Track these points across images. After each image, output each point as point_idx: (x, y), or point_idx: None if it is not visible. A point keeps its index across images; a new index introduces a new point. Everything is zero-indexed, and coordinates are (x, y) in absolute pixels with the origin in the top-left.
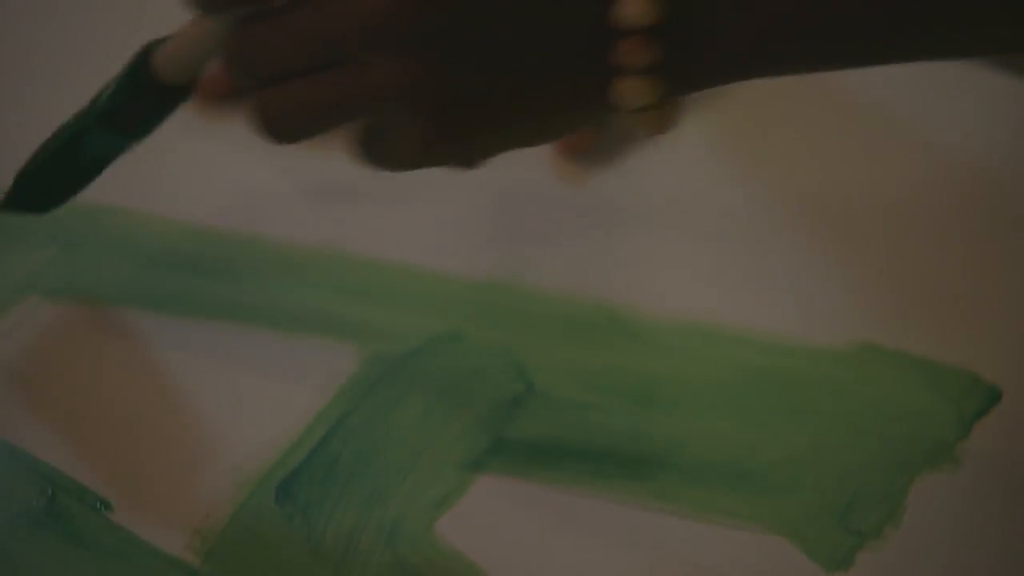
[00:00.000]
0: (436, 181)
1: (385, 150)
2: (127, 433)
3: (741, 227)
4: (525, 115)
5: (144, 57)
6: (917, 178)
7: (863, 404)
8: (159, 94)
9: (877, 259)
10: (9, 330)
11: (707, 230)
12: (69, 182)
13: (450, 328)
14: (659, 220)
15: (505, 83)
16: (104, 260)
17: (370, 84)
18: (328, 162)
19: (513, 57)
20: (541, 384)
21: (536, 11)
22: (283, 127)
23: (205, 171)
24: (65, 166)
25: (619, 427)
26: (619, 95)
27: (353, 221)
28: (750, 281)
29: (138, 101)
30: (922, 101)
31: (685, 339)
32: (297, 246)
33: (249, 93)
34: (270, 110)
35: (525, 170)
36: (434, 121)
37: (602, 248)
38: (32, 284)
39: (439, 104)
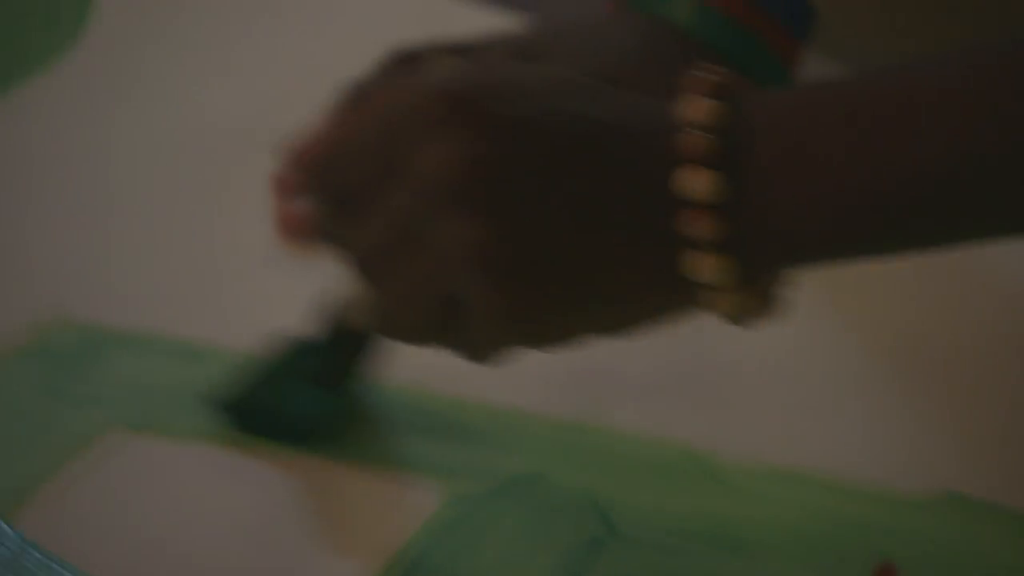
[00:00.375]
0: None
1: (469, 333)
2: (207, 568)
3: (826, 372)
4: (597, 284)
5: (338, 319)
6: (1007, 328)
7: (948, 554)
8: (356, 342)
9: (965, 407)
10: (92, 463)
11: (792, 374)
12: (275, 429)
13: (532, 468)
14: (743, 364)
15: (572, 250)
16: (185, 394)
17: (445, 247)
18: None
19: (579, 221)
20: (622, 527)
21: (595, 174)
22: (398, 330)
23: (289, 307)
24: (274, 419)
25: (700, 571)
26: (688, 269)
27: (436, 359)
28: (834, 426)
29: (343, 356)
30: (1016, 251)
31: (769, 484)
32: (381, 383)
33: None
34: (385, 311)
35: None
36: (506, 282)
37: (686, 391)
38: (116, 417)
39: (508, 265)
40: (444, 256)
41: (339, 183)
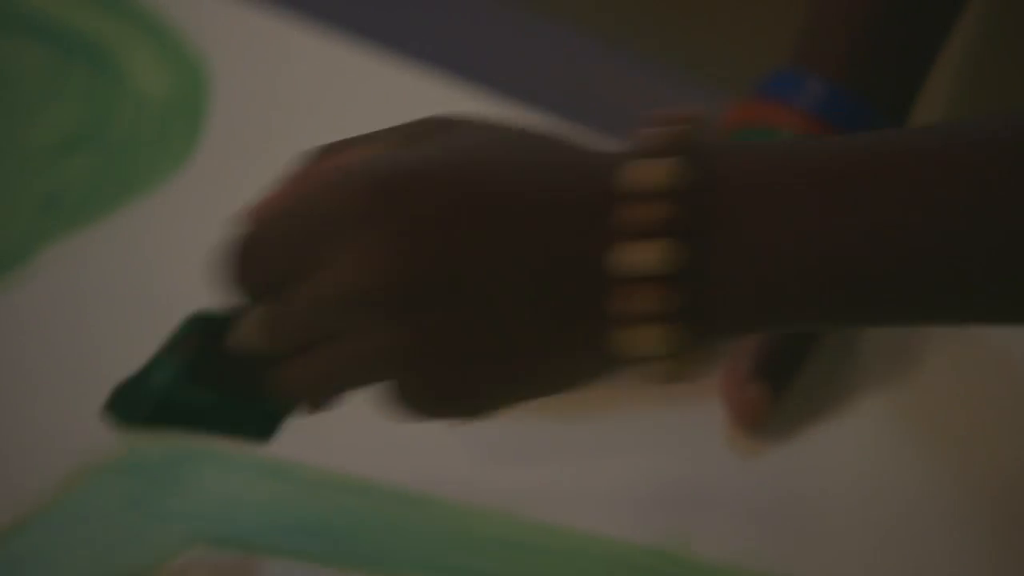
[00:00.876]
0: (608, 445)
1: (401, 403)
2: None
3: (916, 509)
4: (521, 368)
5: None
6: None
7: None
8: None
9: None
10: None
11: (881, 510)
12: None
13: None
14: (832, 497)
15: (495, 338)
16: (271, 512)
17: (366, 351)
18: (499, 423)
19: (501, 312)
20: None
21: (521, 263)
22: (307, 395)
23: (377, 428)
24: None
25: None
26: (625, 344)
27: (520, 483)
28: (920, 562)
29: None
30: None
31: None
32: (465, 506)
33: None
34: (291, 381)
35: (700, 440)
36: (429, 378)
37: (772, 521)
38: (201, 532)
39: (430, 364)
40: (364, 354)
41: (260, 272)
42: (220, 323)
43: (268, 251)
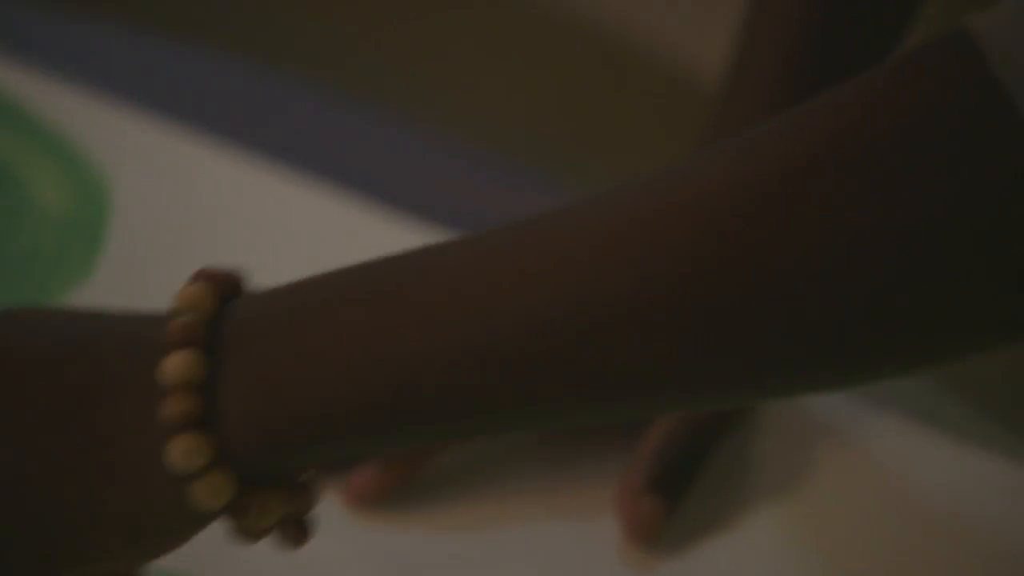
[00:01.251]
0: (501, 559)
1: None
2: None
3: None
4: (87, 506)
5: None
6: None
7: None
8: None
9: None
10: None
11: None
12: None
13: None
14: None
15: (39, 478)
16: None
17: None
18: (396, 537)
19: (39, 449)
20: None
21: (58, 390)
22: None
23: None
24: None
25: None
26: (169, 457)
27: None
28: None
29: None
30: (996, 511)
31: None
32: None
33: None
34: None
35: (594, 554)
36: None
37: None
38: None
39: None
40: None
41: None
42: None
43: None
